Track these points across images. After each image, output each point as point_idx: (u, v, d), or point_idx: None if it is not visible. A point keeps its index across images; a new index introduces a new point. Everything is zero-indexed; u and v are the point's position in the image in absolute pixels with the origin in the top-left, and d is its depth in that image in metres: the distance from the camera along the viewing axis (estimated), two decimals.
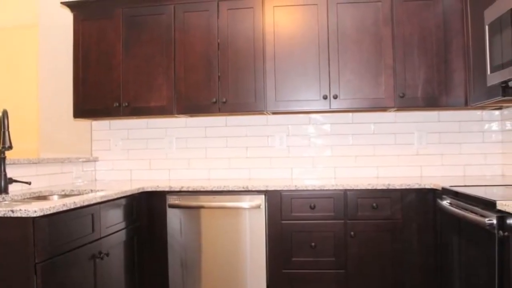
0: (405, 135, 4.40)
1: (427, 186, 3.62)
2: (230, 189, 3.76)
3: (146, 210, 3.88)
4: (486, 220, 2.47)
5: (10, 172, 3.49)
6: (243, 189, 3.75)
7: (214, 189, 3.78)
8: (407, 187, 3.64)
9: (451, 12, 3.91)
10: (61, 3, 4.40)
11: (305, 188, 3.71)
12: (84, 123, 4.77)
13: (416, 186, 3.63)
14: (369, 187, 3.65)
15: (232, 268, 3.76)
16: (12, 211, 2.46)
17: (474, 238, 2.75)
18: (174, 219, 3.83)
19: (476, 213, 2.66)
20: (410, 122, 4.39)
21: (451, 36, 3.91)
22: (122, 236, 3.46)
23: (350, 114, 4.44)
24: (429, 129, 4.37)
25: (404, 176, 4.38)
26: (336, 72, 4.00)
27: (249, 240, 3.74)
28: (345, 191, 3.68)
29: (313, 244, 3.69)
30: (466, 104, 3.87)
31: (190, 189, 3.80)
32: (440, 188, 3.42)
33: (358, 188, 3.66)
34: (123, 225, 3.49)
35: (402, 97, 3.92)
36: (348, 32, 4.01)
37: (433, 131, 4.37)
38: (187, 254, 3.81)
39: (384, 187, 3.64)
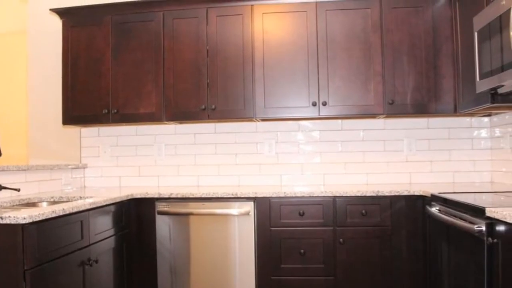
0: (395, 141, 4.36)
1: (416, 193, 3.58)
2: (219, 196, 3.70)
3: (135, 217, 3.82)
4: (475, 227, 2.43)
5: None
6: (232, 196, 3.69)
7: (203, 196, 3.72)
8: (396, 194, 3.59)
9: (440, 18, 3.88)
10: (50, 9, 4.33)
11: (294, 195, 3.66)
12: (73, 129, 4.70)
13: (405, 193, 3.59)
14: (358, 194, 3.61)
15: (221, 275, 3.70)
16: (1, 218, 2.44)
17: (463, 245, 2.71)
18: (163, 226, 3.77)
19: (465, 220, 2.62)
20: (399, 129, 4.35)
21: (441, 42, 3.88)
22: (111, 242, 3.41)
23: (339, 121, 4.40)
24: (418, 135, 4.34)
25: (394, 183, 4.34)
26: (325, 79, 3.96)
27: (238, 247, 3.68)
28: (334, 198, 3.64)
29: (302, 251, 3.64)
30: (455, 111, 3.84)
31: (179, 196, 3.75)
32: (429, 195, 3.38)
33: (347, 195, 3.62)
34: (112, 231, 3.44)
35: (391, 104, 3.89)
36: (338, 39, 3.97)
37: (422, 137, 4.34)
38: (176, 260, 3.75)
39: (373, 194, 3.60)
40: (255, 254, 3.68)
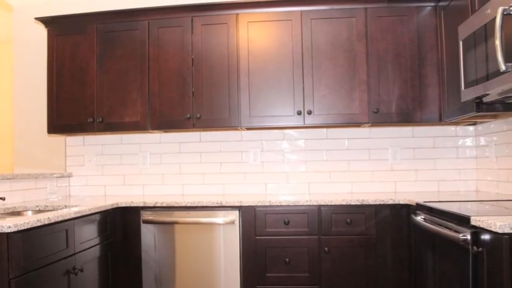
0: (379, 150, 4.31)
1: (401, 202, 3.52)
2: (204, 204, 3.62)
3: (121, 226, 3.72)
4: (460, 236, 2.38)
5: None
6: (217, 205, 3.61)
7: (188, 205, 3.64)
8: (381, 202, 3.53)
9: (425, 27, 3.84)
10: (36, 18, 4.25)
11: (279, 204, 3.58)
12: (58, 138, 4.61)
13: (390, 202, 3.53)
14: (343, 203, 3.54)
15: (206, 283, 3.61)
16: None
17: (448, 253, 2.65)
18: (148, 234, 3.68)
19: (450, 229, 2.56)
20: (384, 137, 4.30)
21: (426, 51, 3.84)
22: (96, 251, 3.33)
23: (325, 129, 4.34)
24: (403, 144, 4.29)
25: (379, 191, 4.28)
26: (310, 88, 3.90)
27: (223, 256, 3.60)
28: (319, 206, 3.57)
29: (287, 259, 3.56)
30: (440, 120, 3.79)
31: (164, 205, 3.66)
32: (414, 204, 3.33)
33: (332, 203, 3.55)
34: (97, 240, 3.36)
35: (376, 112, 3.84)
36: (323, 48, 3.92)
37: (407, 146, 4.28)
38: (161, 270, 3.66)
39: (358, 203, 3.54)
40: (240, 263, 3.60)
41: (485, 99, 2.93)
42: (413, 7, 3.86)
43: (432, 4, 3.83)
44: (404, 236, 3.52)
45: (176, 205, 3.65)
